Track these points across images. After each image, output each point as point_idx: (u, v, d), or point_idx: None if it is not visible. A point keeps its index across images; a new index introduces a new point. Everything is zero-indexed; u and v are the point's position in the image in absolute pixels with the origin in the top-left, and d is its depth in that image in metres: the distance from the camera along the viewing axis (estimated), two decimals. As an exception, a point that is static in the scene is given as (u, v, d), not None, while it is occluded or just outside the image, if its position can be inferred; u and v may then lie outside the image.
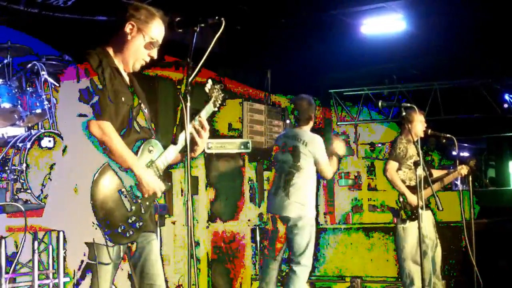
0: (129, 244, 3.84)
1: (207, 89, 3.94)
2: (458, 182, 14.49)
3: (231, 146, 9.08)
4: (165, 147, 3.89)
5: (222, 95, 4.06)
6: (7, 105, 6.10)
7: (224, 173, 9.20)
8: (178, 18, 3.61)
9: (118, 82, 3.77)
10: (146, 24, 3.80)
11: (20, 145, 6.05)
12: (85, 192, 3.48)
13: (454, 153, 7.62)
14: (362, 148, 15.95)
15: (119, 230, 3.61)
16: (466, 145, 21.20)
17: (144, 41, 3.82)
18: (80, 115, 3.51)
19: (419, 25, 10.29)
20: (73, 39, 7.42)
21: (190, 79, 3.35)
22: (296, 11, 9.85)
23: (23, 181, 5.93)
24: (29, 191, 5.91)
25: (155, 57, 3.89)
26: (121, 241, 3.67)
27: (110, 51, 3.85)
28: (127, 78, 3.90)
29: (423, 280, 5.80)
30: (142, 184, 3.67)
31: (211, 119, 3.95)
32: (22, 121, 6.34)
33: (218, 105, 4.05)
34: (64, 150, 3.65)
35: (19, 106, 6.20)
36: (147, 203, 3.77)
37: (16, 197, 5.91)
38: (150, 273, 3.92)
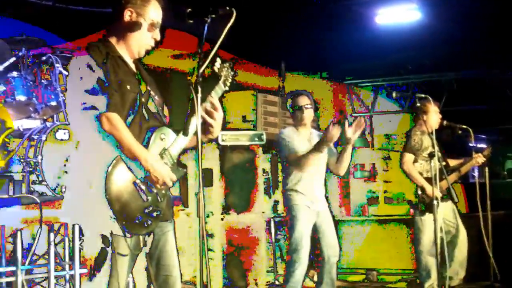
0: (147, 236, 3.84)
1: (216, 68, 3.85)
2: (475, 174, 14.46)
3: (245, 138, 9.08)
4: (177, 132, 3.86)
5: (232, 73, 3.99)
6: (22, 97, 6.13)
7: (238, 165, 9.19)
8: (189, 9, 3.59)
9: (123, 71, 3.76)
10: (144, 7, 3.79)
11: (35, 137, 6.08)
12: (99, 186, 3.49)
13: (470, 144, 7.57)
14: (377, 139, 15.88)
15: (137, 221, 3.62)
16: (483, 136, 21.06)
17: (145, 25, 3.81)
18: (91, 108, 3.51)
19: (434, 15, 10.20)
20: (86, 31, 7.44)
21: (201, 70, 3.34)
22: (310, 2, 9.81)
23: (38, 173, 5.96)
24: (44, 183, 5.94)
25: (159, 38, 3.87)
26: (140, 232, 3.68)
27: (113, 40, 3.83)
28: (132, 66, 3.89)
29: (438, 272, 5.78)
30: (152, 174, 3.67)
31: (222, 104, 3.89)
32: (37, 113, 6.36)
33: (228, 84, 3.98)
34: (76, 145, 3.65)
35: (34, 98, 6.23)
36: (163, 191, 3.77)
37: (32, 189, 5.93)
38: (166, 264, 3.93)
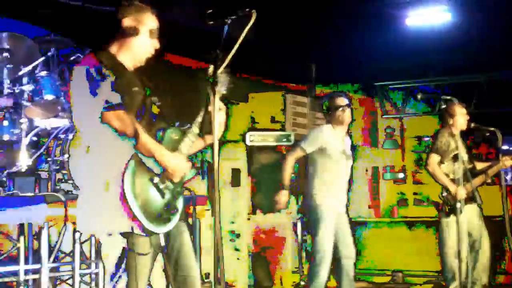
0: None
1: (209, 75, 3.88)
2: (509, 177, 14.30)
3: (273, 138, 9.10)
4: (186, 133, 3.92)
5: (228, 78, 4.00)
6: (50, 96, 6.17)
7: (266, 166, 9.22)
8: (210, 10, 3.62)
9: (127, 75, 3.85)
10: (141, 15, 3.88)
11: (62, 136, 6.14)
12: (117, 185, 3.53)
13: (504, 147, 7.51)
14: (409, 141, 15.78)
15: (157, 218, 3.68)
16: (516, 139, 20.80)
17: (145, 32, 3.89)
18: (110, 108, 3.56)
19: (464, 16, 10.13)
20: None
21: (219, 71, 3.37)
22: (341, 2, 9.80)
23: (65, 172, 6.02)
24: (70, 181, 5.99)
25: (158, 46, 3.96)
26: (160, 228, 3.73)
27: (114, 50, 3.91)
28: (134, 74, 3.96)
29: (460, 275, 5.74)
30: (168, 169, 3.71)
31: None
32: (65, 112, 6.41)
33: (224, 88, 3.98)
34: (87, 150, 3.68)
35: (62, 97, 6.27)
36: (178, 189, 3.81)
37: (58, 187, 6.00)
38: (184, 264, 3.96)
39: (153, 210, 3.65)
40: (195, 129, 3.90)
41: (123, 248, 3.71)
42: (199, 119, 3.89)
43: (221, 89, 4.01)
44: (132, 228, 3.59)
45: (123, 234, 3.66)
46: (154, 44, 3.95)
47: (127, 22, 3.87)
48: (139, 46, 3.91)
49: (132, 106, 3.72)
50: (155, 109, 3.96)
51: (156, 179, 3.67)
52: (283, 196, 6.28)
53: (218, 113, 3.87)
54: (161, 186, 3.68)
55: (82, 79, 3.62)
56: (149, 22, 3.91)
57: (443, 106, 6.45)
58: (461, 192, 6.50)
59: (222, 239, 3.41)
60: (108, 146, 3.60)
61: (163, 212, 3.70)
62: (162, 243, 3.80)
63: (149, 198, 3.64)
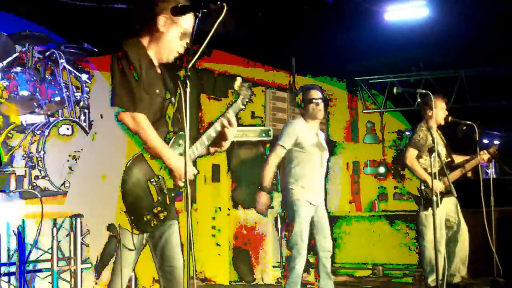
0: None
1: (236, 86, 4.02)
2: (490, 171, 14.36)
3: (253, 133, 9.10)
4: (193, 139, 3.95)
5: (249, 93, 4.11)
6: (25, 93, 6.15)
7: (246, 161, 9.23)
8: (180, 4, 3.63)
9: (153, 74, 3.85)
10: (179, 16, 3.82)
11: (38, 132, 6.11)
12: (114, 178, 3.58)
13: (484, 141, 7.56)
14: (388, 136, 15.86)
15: (144, 219, 3.71)
16: (496, 133, 20.96)
17: (178, 32, 3.89)
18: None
19: (442, 11, 10.18)
20: (92, 28, 7.46)
21: (189, 65, 3.36)
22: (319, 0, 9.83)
23: (41, 168, 5.99)
24: (47, 178, 5.97)
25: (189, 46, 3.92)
26: (145, 230, 3.76)
27: (145, 42, 3.91)
28: (159, 71, 3.96)
29: (437, 267, 5.77)
30: (175, 171, 3.75)
31: (236, 115, 4.02)
32: (41, 108, 6.38)
33: (245, 103, 4.12)
34: (93, 137, 3.73)
35: (38, 94, 6.24)
36: (173, 194, 3.84)
37: (34, 184, 5.97)
38: (171, 255, 3.97)
39: (142, 210, 3.69)
40: (206, 140, 3.92)
41: (110, 236, 3.73)
42: (213, 133, 3.92)
43: (241, 103, 4.07)
44: (119, 223, 3.63)
45: (111, 226, 3.68)
46: (184, 45, 3.93)
47: (163, 21, 3.85)
48: (170, 46, 3.91)
49: (150, 107, 3.76)
50: (170, 111, 3.97)
51: (153, 180, 3.70)
52: (262, 197, 6.21)
53: (232, 128, 3.94)
54: (157, 188, 3.71)
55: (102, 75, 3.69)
56: (185, 23, 3.88)
57: (419, 100, 6.48)
58: (437, 186, 6.54)
59: (193, 235, 3.39)
60: (115, 140, 3.64)
61: (151, 214, 3.72)
62: (144, 241, 3.83)
63: (141, 197, 3.68)
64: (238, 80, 4.03)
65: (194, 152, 3.91)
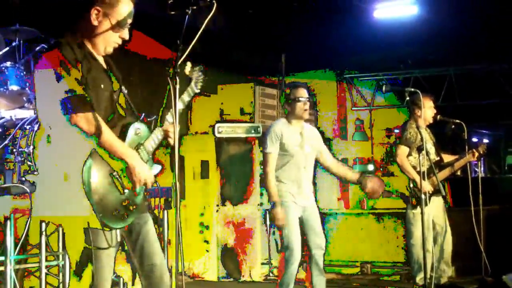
0: (125, 228, 3.84)
1: (187, 71, 3.97)
2: (479, 170, 14.44)
3: (241, 130, 9.10)
4: (151, 127, 3.92)
5: (202, 76, 4.09)
6: (15, 87, 6.12)
7: (235, 157, 9.23)
8: (171, 0, 3.61)
9: (95, 69, 3.74)
10: (112, 8, 3.73)
11: (28, 127, 6.07)
12: (76, 178, 3.47)
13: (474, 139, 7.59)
14: (377, 134, 15.87)
15: (114, 214, 3.62)
16: (485, 131, 21.02)
17: (111, 24, 3.75)
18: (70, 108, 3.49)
19: (431, 9, 10.22)
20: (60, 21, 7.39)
21: (179, 61, 3.36)
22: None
23: (30, 163, 5.97)
24: (36, 173, 5.94)
25: (127, 38, 3.83)
26: (117, 225, 3.66)
27: (81, 36, 3.78)
28: (102, 62, 3.87)
29: (425, 265, 5.80)
30: (134, 173, 3.68)
31: (190, 105, 3.98)
32: (30, 103, 6.35)
33: (199, 86, 4.11)
34: (48, 140, 3.63)
35: (27, 88, 6.22)
36: (138, 188, 3.78)
37: (23, 178, 5.94)
38: (151, 251, 3.92)
39: (110, 205, 3.59)
40: (161, 121, 3.89)
41: (85, 245, 3.66)
42: (165, 114, 3.89)
43: (195, 86, 4.05)
44: (88, 223, 3.56)
45: (84, 229, 3.60)
46: (124, 35, 3.82)
47: (95, 13, 3.72)
48: (105, 38, 3.78)
49: (98, 103, 3.64)
50: (122, 101, 3.91)
51: (115, 174, 3.63)
52: (278, 214, 6.08)
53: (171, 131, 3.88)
54: (121, 181, 3.65)
55: (46, 74, 3.56)
56: (120, 14, 3.75)
57: (407, 98, 6.51)
58: (426, 185, 6.56)
59: (181, 230, 3.39)
60: (70, 139, 3.54)
61: (121, 208, 3.65)
62: (119, 238, 3.75)
63: (107, 192, 3.57)
64: (188, 64, 3.96)
65: (155, 141, 3.90)
